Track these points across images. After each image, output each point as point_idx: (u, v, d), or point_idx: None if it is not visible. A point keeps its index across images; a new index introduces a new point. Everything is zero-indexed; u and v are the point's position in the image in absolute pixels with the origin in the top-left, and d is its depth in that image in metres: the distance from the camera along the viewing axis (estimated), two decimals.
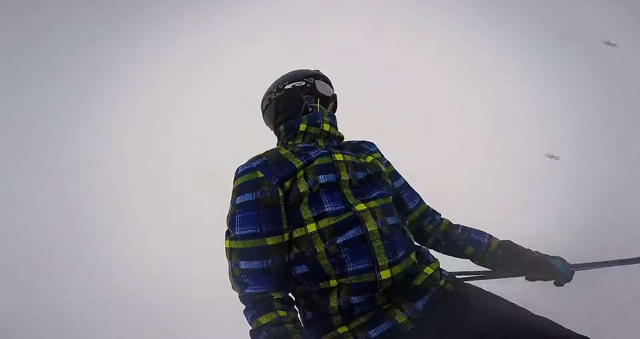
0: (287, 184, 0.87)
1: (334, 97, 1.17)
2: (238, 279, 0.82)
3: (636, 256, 1.02)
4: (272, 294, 0.81)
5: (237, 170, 0.92)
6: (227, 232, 0.86)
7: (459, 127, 7.83)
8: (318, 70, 1.21)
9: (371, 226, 0.81)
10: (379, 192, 0.92)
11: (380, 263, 0.77)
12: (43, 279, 3.24)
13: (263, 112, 1.19)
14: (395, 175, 1.13)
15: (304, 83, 1.10)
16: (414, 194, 1.13)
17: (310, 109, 1.06)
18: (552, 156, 10.79)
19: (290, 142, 1.03)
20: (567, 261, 0.99)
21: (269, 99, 1.14)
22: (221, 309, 2.52)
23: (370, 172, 0.95)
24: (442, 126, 8.57)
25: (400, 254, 0.81)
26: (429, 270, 0.86)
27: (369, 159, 1.01)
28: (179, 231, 3.85)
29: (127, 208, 4.43)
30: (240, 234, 0.82)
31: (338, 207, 0.83)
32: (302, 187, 0.86)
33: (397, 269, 0.79)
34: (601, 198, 4.13)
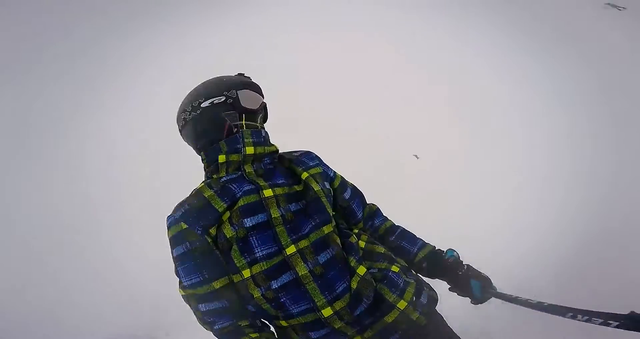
0: (213, 231, 0.80)
1: (263, 106, 1.00)
2: (203, 320, 0.83)
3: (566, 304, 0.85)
4: (240, 323, 0.81)
5: (166, 221, 0.84)
6: (179, 281, 0.83)
7: (459, 128, 7.80)
8: (242, 75, 1.03)
9: (302, 270, 0.78)
10: (313, 223, 0.84)
11: (318, 303, 0.76)
12: (49, 273, 3.28)
13: (180, 132, 1.00)
14: (342, 186, 1.00)
15: (223, 98, 0.92)
16: (362, 201, 1.05)
17: (235, 129, 0.89)
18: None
19: (215, 176, 0.89)
20: (493, 285, 0.98)
21: (184, 120, 0.94)
22: None
23: (305, 200, 0.87)
24: (442, 126, 8.52)
25: (340, 289, 0.78)
26: (402, 304, 0.81)
27: (305, 175, 0.90)
28: None
29: (131, 206, 4.47)
30: (188, 284, 0.80)
31: (269, 251, 0.79)
32: (228, 232, 0.79)
33: (340, 303, 0.77)
34: (602, 199, 4.13)
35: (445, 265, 0.97)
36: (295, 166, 0.94)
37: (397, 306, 0.80)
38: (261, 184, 0.84)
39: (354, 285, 0.78)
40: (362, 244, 0.89)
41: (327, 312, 0.75)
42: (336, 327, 0.76)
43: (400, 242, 1.00)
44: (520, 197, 4.37)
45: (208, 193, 0.83)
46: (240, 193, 0.82)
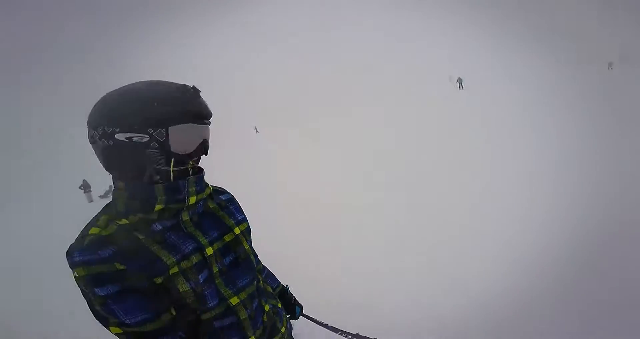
0: (159, 280, 0.76)
1: (205, 143, 0.84)
2: None
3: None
4: None
5: (73, 256, 0.72)
6: (105, 319, 0.74)
7: (458, 129, 7.89)
8: (188, 91, 0.80)
9: (243, 315, 0.90)
10: (247, 279, 0.92)
11: (250, 337, 0.92)
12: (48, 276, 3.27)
13: (92, 143, 0.81)
14: (249, 232, 1.01)
15: (146, 138, 0.75)
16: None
17: (158, 177, 0.78)
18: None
19: (140, 215, 0.78)
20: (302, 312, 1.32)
21: (92, 138, 0.79)
22: None
23: (236, 254, 0.91)
24: (441, 127, 8.57)
25: (259, 323, 0.96)
26: (283, 329, 1.07)
27: (237, 231, 0.93)
28: None
29: None
30: (132, 322, 0.74)
31: (216, 301, 0.85)
32: (183, 287, 0.79)
33: (258, 332, 0.95)
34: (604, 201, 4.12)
35: (289, 297, 1.28)
36: (226, 216, 0.93)
37: (282, 331, 1.05)
38: (202, 242, 0.83)
39: (265, 319, 0.98)
40: (261, 284, 1.04)
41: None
42: None
43: (267, 279, 1.20)
44: (522, 197, 4.34)
45: (142, 237, 0.77)
46: (188, 251, 0.80)
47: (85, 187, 7.46)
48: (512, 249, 3.37)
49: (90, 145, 0.80)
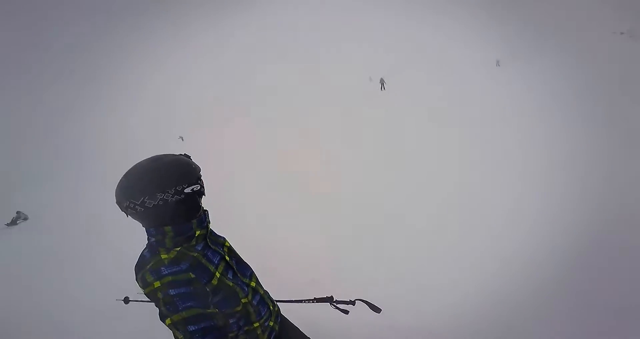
0: (214, 282, 1.13)
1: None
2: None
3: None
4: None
5: (161, 271, 1.04)
6: (172, 309, 1.02)
7: (458, 130, 7.86)
8: (191, 159, 1.21)
9: (262, 291, 1.34)
10: (250, 270, 1.34)
11: (270, 308, 1.35)
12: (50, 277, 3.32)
13: (142, 208, 1.09)
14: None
15: (199, 187, 1.14)
16: None
17: (199, 213, 1.17)
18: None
19: (185, 244, 1.14)
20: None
21: (163, 200, 1.08)
22: None
23: (235, 256, 1.33)
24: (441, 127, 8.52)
25: (270, 299, 1.38)
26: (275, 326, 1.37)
27: (227, 244, 1.33)
28: None
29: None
30: (184, 307, 1.02)
31: (246, 287, 1.26)
32: (229, 282, 1.19)
33: (271, 304, 1.37)
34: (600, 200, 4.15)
35: None
36: (215, 234, 1.33)
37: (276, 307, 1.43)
38: (221, 253, 1.25)
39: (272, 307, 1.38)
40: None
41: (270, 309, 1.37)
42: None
43: None
44: (515, 198, 4.36)
45: (196, 254, 1.14)
46: (217, 261, 1.20)
47: None
48: (504, 249, 3.41)
49: (127, 213, 1.12)
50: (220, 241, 1.31)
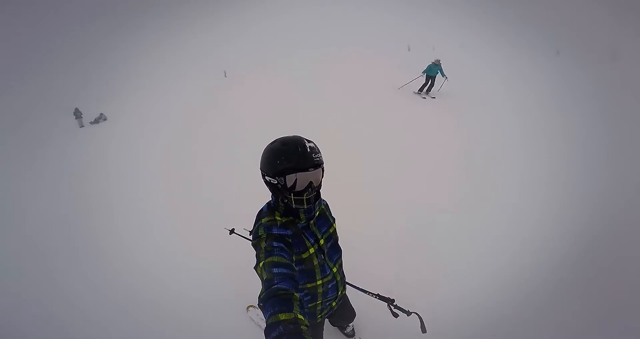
0: (306, 255, 1.40)
1: (312, 184, 1.36)
2: (271, 277, 1.18)
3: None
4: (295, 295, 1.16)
5: (272, 229, 1.32)
6: (267, 255, 1.24)
7: (457, 130, 7.80)
8: (303, 149, 1.32)
9: (338, 277, 1.59)
10: (338, 254, 1.57)
11: (340, 291, 1.64)
12: (51, 275, 3.31)
13: (263, 179, 1.39)
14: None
15: (276, 181, 1.35)
16: None
17: (286, 201, 1.38)
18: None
19: (291, 218, 1.39)
20: None
21: (265, 180, 1.39)
22: (220, 308, 2.63)
23: (333, 239, 1.55)
24: (440, 127, 8.45)
25: (342, 284, 1.66)
26: (344, 291, 1.76)
27: (332, 229, 1.53)
28: (188, 232, 3.89)
29: (136, 209, 4.49)
30: (279, 254, 1.24)
31: (328, 271, 1.50)
32: (315, 261, 1.44)
33: (342, 288, 1.66)
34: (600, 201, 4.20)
35: None
36: (329, 216, 1.54)
37: (344, 291, 1.77)
38: (318, 236, 1.45)
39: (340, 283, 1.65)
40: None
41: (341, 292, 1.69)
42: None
43: None
44: (516, 197, 4.35)
45: (299, 231, 1.39)
46: (312, 241, 1.43)
47: (77, 114, 8.04)
48: (507, 248, 3.43)
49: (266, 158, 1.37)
50: (328, 223, 1.52)
